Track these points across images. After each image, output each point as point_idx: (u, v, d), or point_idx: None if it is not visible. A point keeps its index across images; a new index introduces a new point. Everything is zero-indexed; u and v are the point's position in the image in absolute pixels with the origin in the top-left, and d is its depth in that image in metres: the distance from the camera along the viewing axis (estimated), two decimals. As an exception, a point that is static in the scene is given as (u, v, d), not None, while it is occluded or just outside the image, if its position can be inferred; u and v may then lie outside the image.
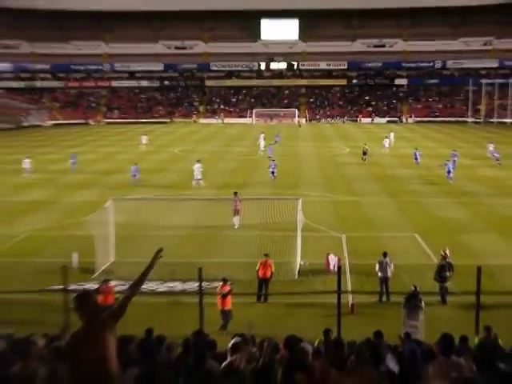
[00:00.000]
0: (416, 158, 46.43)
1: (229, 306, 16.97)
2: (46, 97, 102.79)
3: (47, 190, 37.86)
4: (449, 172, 40.26)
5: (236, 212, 28.69)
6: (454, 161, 44.55)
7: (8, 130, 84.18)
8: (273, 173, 40.17)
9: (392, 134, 64.37)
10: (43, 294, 17.79)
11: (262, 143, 55.30)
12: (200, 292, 14.72)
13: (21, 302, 18.60)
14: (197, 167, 40.03)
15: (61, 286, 15.84)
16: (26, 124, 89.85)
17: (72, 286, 16.98)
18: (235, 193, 30.26)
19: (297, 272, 21.21)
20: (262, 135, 57.33)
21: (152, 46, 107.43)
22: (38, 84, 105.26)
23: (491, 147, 51.38)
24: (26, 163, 46.00)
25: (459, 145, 55.92)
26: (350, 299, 17.62)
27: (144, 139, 63.32)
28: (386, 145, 59.93)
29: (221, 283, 17.42)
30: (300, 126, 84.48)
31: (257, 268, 19.57)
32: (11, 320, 16.02)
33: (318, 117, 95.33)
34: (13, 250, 24.01)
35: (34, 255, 23.26)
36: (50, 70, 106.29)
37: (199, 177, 39.58)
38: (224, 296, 16.92)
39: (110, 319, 5.26)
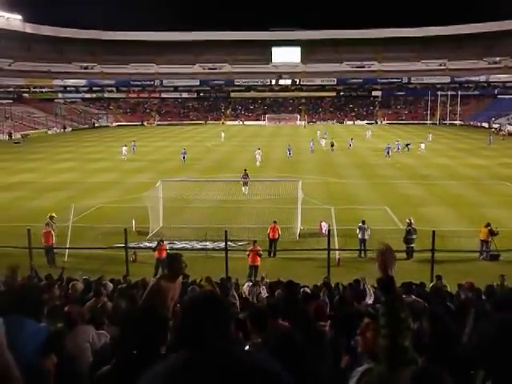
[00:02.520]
0: (388, 152, 46.16)
1: (257, 263, 16.98)
2: (112, 105, 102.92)
3: (114, 174, 37.99)
4: (388, 152, 45.58)
5: (245, 184, 29.83)
6: (398, 147, 48.86)
7: (85, 128, 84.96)
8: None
9: (369, 132, 64.55)
10: (110, 250, 17.89)
11: (323, 142, 54.48)
12: (226, 249, 14.74)
13: (94, 255, 18.77)
14: (257, 152, 42.11)
15: (122, 244, 15.91)
16: (97, 124, 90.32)
17: (131, 245, 17.07)
18: (245, 170, 31.22)
19: (297, 234, 21.23)
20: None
21: (191, 67, 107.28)
22: (106, 95, 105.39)
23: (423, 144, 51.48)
24: (124, 150, 47.12)
25: (418, 140, 55.32)
26: (337, 255, 17.67)
27: (223, 135, 64.78)
28: (368, 136, 62.12)
29: (252, 243, 17.48)
30: (305, 127, 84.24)
31: (267, 231, 19.61)
32: (87, 268, 16.12)
33: (314, 120, 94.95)
34: (89, 217, 24.15)
35: (103, 221, 23.43)
36: (114, 84, 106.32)
37: (259, 157, 41.59)
38: (256, 254, 16.99)
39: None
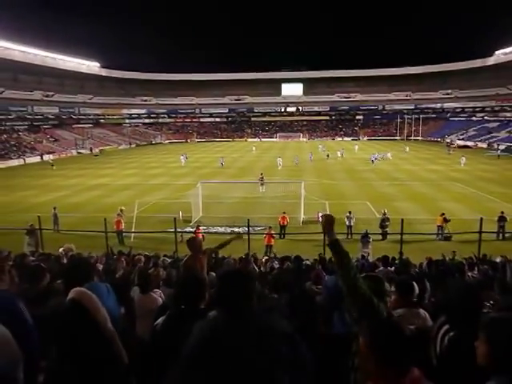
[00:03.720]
0: (372, 160, 45.94)
1: (272, 243, 17.12)
2: (164, 127, 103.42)
3: (166, 178, 38.26)
4: (373, 161, 45.61)
5: (261, 184, 29.84)
6: (376, 157, 47.53)
7: (145, 145, 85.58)
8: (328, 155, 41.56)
9: (356, 146, 64.13)
10: (163, 234, 18.03)
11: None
12: (248, 233, 14.76)
13: (152, 237, 18.92)
14: (279, 160, 43.57)
15: (172, 229, 16.04)
16: (153, 142, 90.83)
17: (179, 229, 17.19)
18: (261, 173, 31.30)
19: (301, 222, 21.19)
20: (342, 150, 55.73)
21: (222, 98, 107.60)
22: (160, 120, 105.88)
23: (389, 154, 51.23)
24: (183, 158, 49.28)
25: (388, 150, 54.77)
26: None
27: (254, 149, 65.01)
28: (356, 149, 61.68)
29: (268, 228, 17.60)
30: (306, 142, 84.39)
31: (279, 219, 19.63)
32: (147, 247, 16.29)
33: (312, 137, 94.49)
34: (148, 210, 24.36)
35: (158, 213, 23.62)
36: (166, 112, 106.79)
37: (280, 163, 43.23)
38: (271, 236, 17.14)
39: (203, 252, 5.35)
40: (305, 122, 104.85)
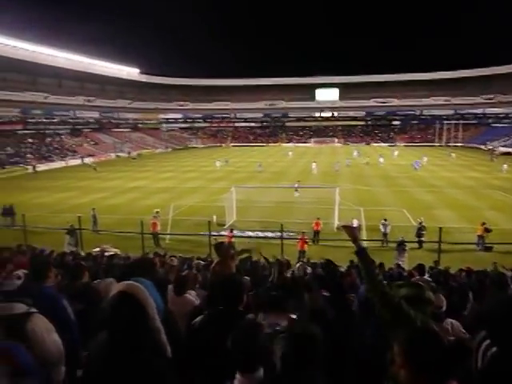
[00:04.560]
0: (416, 167, 44.84)
1: (305, 248, 17.00)
2: (200, 131, 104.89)
3: (200, 181, 38.73)
4: (416, 167, 44.24)
5: (296, 190, 29.42)
6: (419, 163, 45.90)
7: (181, 149, 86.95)
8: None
9: (396, 152, 62.75)
10: (197, 236, 18.23)
11: (381, 159, 51.86)
12: (281, 237, 14.74)
13: (186, 240, 19.18)
14: (314, 165, 43.69)
15: (207, 232, 16.20)
16: (189, 146, 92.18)
17: (213, 232, 17.35)
18: (298, 181, 31.23)
19: (335, 228, 20.96)
20: (381, 157, 53.09)
21: (257, 103, 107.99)
22: (196, 125, 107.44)
23: (425, 159, 49.38)
24: (218, 163, 50.55)
25: (428, 156, 53.35)
26: (364, 244, 17.29)
27: (290, 154, 64.82)
28: (395, 155, 60.11)
29: (301, 233, 17.50)
30: (342, 146, 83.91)
31: (312, 225, 19.48)
32: (182, 249, 16.51)
33: (347, 143, 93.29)
34: (183, 213, 24.68)
35: (193, 216, 23.91)
36: (202, 117, 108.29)
37: (314, 167, 43.45)
38: (304, 242, 17.03)
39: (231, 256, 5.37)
40: (339, 128, 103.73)
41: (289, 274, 7.41)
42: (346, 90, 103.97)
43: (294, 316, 3.06)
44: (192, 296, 4.80)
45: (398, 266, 13.22)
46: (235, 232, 18.71)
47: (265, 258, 9.03)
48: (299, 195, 28.98)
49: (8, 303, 2.67)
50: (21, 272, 3.17)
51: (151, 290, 2.57)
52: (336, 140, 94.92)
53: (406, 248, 15.91)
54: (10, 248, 12.20)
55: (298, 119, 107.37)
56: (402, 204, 26.78)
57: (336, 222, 21.41)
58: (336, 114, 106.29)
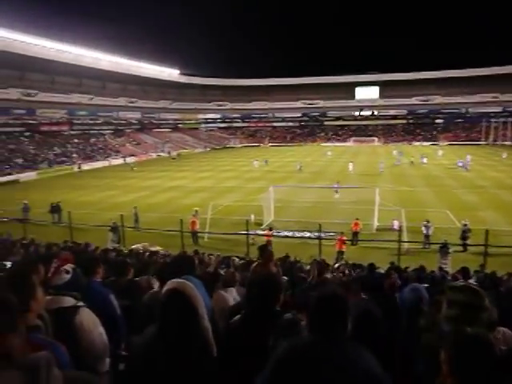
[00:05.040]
0: (462, 165, 43.50)
1: (343, 249, 16.83)
2: (238, 131, 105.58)
3: (238, 181, 39.00)
4: (466, 168, 42.52)
5: (336, 191, 28.77)
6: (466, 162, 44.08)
7: (219, 149, 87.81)
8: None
9: (440, 151, 60.52)
10: (235, 235, 18.38)
11: (425, 159, 49.77)
12: (319, 238, 14.62)
13: (224, 238, 19.38)
14: (351, 165, 43.36)
15: (245, 231, 16.31)
16: (227, 146, 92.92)
17: (250, 232, 17.45)
18: (337, 181, 30.40)
19: (375, 229, 20.60)
20: (412, 160, 51.00)
21: (295, 103, 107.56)
22: (234, 125, 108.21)
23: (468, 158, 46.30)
24: (256, 163, 50.48)
25: (474, 157, 51.30)
26: (405, 246, 16.89)
27: (329, 153, 64.01)
28: (439, 154, 58.09)
29: (339, 234, 17.32)
30: (383, 146, 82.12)
31: (351, 225, 19.22)
32: (220, 248, 16.70)
33: (388, 142, 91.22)
34: (221, 212, 24.96)
35: (231, 215, 24.13)
36: (240, 117, 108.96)
37: (351, 167, 42.96)
38: (343, 242, 16.86)
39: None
40: (380, 127, 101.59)
41: (328, 275, 7.36)
42: (386, 87, 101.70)
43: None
44: (229, 294, 4.88)
45: (441, 269, 12.85)
46: (275, 231, 18.75)
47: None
48: (339, 197, 28.38)
49: (57, 297, 2.81)
50: (69, 267, 3.32)
51: (200, 289, 2.63)
52: (376, 139, 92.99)
53: (450, 251, 15.43)
54: (57, 244, 12.79)
55: (337, 118, 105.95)
56: (446, 205, 25.93)
57: (375, 223, 21.03)
58: (376, 112, 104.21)
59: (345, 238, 17.22)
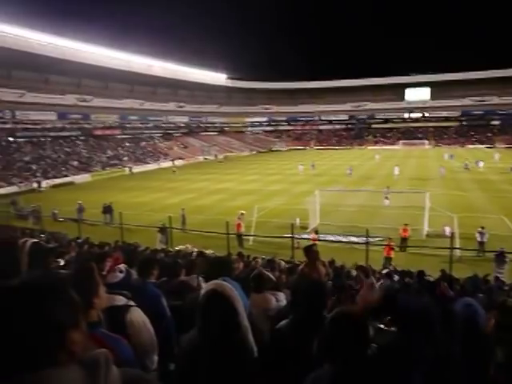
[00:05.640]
0: None
1: (391, 255, 16.43)
2: (284, 134, 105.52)
3: (284, 185, 38.94)
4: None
5: (386, 197, 27.38)
6: None
7: (265, 152, 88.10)
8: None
9: (497, 155, 57.31)
10: (280, 239, 18.34)
11: (481, 163, 47.38)
12: (366, 243, 14.32)
13: (269, 242, 19.38)
14: (396, 169, 42.10)
15: (290, 235, 16.24)
16: (273, 149, 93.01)
17: (296, 235, 17.35)
18: (388, 187, 29.37)
19: (425, 235, 19.90)
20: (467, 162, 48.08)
21: (342, 105, 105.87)
22: (280, 128, 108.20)
23: None
24: (301, 167, 48.77)
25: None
26: (457, 253, 16.18)
27: (377, 157, 62.36)
28: (496, 158, 55.17)
29: (387, 239, 16.91)
30: (434, 148, 79.19)
31: (400, 231, 18.69)
32: (264, 251, 16.73)
33: (439, 145, 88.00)
34: (267, 215, 25.05)
35: (276, 218, 24.14)
36: (286, 120, 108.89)
37: (397, 171, 41.53)
38: (391, 248, 16.46)
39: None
40: (431, 129, 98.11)
41: (375, 281, 7.18)
42: (438, 88, 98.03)
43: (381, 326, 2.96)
44: (274, 296, 4.87)
45: (497, 278, 12.21)
46: (321, 235, 18.56)
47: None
48: (390, 203, 27.02)
49: (110, 295, 2.92)
50: (123, 266, 3.46)
51: (238, 290, 2.65)
52: (426, 142, 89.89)
53: (507, 259, 14.62)
54: (109, 243, 13.30)
55: (386, 120, 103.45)
56: (502, 211, 24.60)
57: (426, 229, 20.32)
58: (427, 114, 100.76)
59: (393, 243, 16.77)
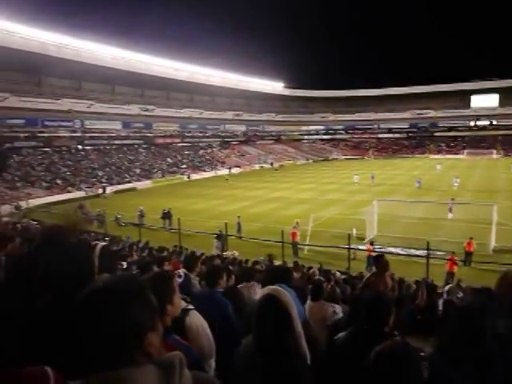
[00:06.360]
0: None
1: (454, 270, 15.66)
2: (341, 143, 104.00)
3: (340, 194, 38.36)
4: None
5: (450, 210, 25.96)
6: None
7: (321, 160, 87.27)
8: None
9: None
10: (336, 249, 18.06)
11: None
12: (427, 256, 13.76)
13: (325, 251, 19.13)
14: (456, 180, 39.30)
15: (346, 245, 15.93)
16: (330, 157, 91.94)
17: (352, 246, 17.01)
18: (452, 198, 27.80)
19: (491, 249, 18.76)
20: None
21: (402, 113, 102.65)
22: (337, 136, 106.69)
23: None
24: (356, 178, 46.43)
25: None
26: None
27: (439, 167, 58.58)
28: None
29: (450, 253, 16.14)
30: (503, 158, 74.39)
31: (464, 244, 17.76)
32: (319, 261, 16.49)
33: (509, 154, 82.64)
34: (322, 224, 24.70)
35: (331, 227, 23.79)
36: (343, 128, 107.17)
37: (456, 183, 38.91)
38: (454, 263, 15.70)
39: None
40: (500, 138, 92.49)
41: (438, 298, 6.86)
42: (508, 95, 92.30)
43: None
44: (329, 305, 4.80)
45: None
46: (375, 247, 18.05)
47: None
48: (454, 216, 25.56)
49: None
50: (182, 271, 3.56)
51: (293, 297, 2.66)
52: (494, 152, 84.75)
53: None
54: (167, 248, 13.73)
55: (449, 129, 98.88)
56: None
57: (493, 243, 19.15)
58: (495, 122, 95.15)
59: (456, 258, 15.93)
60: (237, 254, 15.77)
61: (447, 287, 10.56)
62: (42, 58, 50.55)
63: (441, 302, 6.68)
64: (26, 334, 1.56)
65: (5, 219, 19.45)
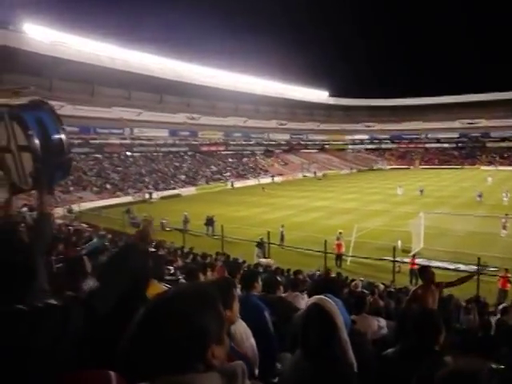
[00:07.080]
0: None
1: (507, 288, 14.85)
2: (386, 153, 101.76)
3: (385, 205, 37.50)
4: None
5: (504, 227, 24.10)
6: None
7: (366, 170, 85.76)
8: None
9: None
10: (380, 261, 17.64)
11: None
12: (478, 273, 13.17)
13: (368, 264, 18.73)
14: (506, 194, 36.44)
15: (391, 258, 15.53)
16: (375, 167, 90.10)
17: (397, 259, 16.56)
18: (506, 214, 25.41)
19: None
20: None
21: (451, 123, 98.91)
22: (382, 146, 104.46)
23: None
24: (400, 190, 44.40)
25: None
26: None
27: (490, 179, 54.58)
28: None
29: (504, 270, 15.31)
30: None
31: (518, 262, 16.82)
32: (363, 273, 16.14)
33: None
34: (366, 235, 24.22)
35: (375, 239, 23.29)
36: (389, 138, 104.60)
37: (506, 198, 36.08)
38: (507, 280, 14.89)
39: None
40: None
41: (491, 318, 6.56)
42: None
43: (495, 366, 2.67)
44: (374, 319, 4.70)
45: None
46: (421, 260, 17.45)
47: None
48: (507, 233, 23.85)
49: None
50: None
51: (340, 308, 2.66)
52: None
53: None
54: (210, 255, 13.92)
55: (503, 139, 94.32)
56: None
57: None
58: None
59: (509, 275, 15.10)
60: (272, 263, 15.71)
61: (501, 306, 10.04)
62: (96, 69, 53.13)
63: (493, 320, 6.37)
64: (95, 337, 1.62)
65: (58, 221, 20.38)
